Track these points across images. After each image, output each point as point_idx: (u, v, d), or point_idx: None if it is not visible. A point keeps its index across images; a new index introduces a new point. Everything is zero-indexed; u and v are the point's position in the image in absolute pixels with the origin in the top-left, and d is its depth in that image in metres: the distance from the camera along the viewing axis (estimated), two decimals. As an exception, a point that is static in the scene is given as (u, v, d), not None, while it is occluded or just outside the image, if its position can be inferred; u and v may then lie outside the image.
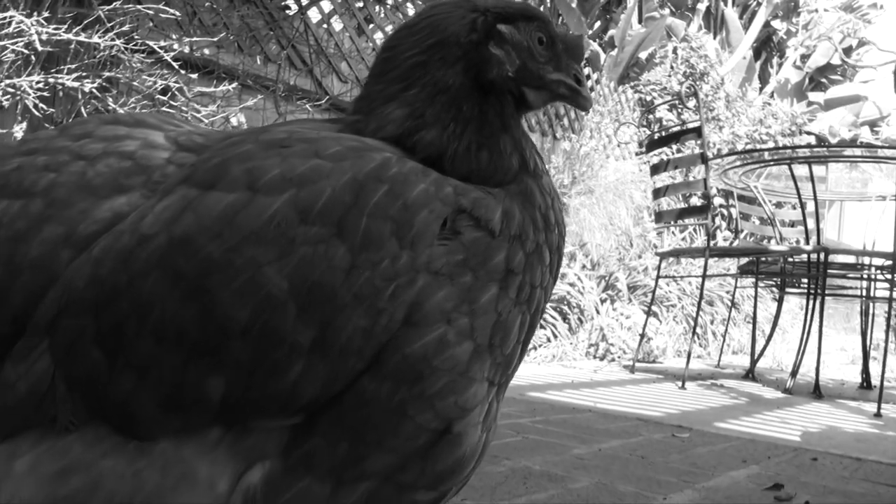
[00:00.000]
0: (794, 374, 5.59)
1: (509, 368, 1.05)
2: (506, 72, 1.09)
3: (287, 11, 6.68)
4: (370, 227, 0.88)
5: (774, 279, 6.40)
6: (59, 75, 3.54)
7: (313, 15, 7.10)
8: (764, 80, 16.96)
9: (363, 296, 0.87)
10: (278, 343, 0.85)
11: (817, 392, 5.32)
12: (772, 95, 15.17)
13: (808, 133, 13.11)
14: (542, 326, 9.21)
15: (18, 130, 3.60)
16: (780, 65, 17.87)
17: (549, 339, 8.74)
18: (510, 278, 0.99)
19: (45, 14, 3.52)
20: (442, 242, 0.93)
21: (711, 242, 5.79)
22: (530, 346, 6.44)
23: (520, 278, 1.00)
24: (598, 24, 14.39)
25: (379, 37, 7.71)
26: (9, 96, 3.41)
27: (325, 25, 7.30)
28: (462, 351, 0.93)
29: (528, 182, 1.06)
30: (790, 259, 5.81)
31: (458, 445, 0.96)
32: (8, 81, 3.28)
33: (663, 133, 8.31)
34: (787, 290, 6.40)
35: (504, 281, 0.98)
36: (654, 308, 7.84)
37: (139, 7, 4.16)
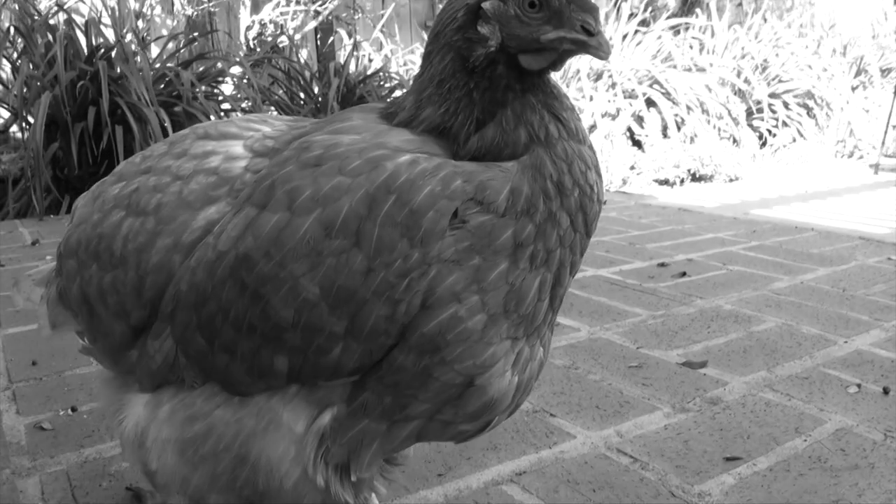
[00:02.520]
0: None
1: (535, 321, 1.20)
2: (489, 48, 1.14)
3: None
4: (381, 234, 1.06)
5: None
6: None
7: None
8: None
9: (381, 291, 1.07)
10: (318, 332, 1.10)
11: None
12: None
13: None
14: (786, 125, 8.63)
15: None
16: None
17: (793, 140, 8.23)
18: (520, 251, 1.12)
19: None
20: (451, 233, 1.08)
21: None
22: (774, 145, 6.31)
23: (531, 248, 1.13)
24: None
25: None
26: None
27: None
28: (475, 323, 1.11)
29: (538, 153, 1.15)
30: None
31: (484, 393, 1.17)
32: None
33: None
34: None
35: (514, 255, 1.12)
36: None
37: None
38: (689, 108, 8.25)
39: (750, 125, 8.85)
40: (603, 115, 8.20)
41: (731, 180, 7.61)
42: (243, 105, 7.64)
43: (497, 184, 1.11)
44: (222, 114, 6.80)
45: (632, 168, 7.69)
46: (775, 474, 1.92)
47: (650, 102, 8.30)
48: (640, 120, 8.22)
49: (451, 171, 1.10)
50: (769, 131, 8.96)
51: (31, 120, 5.92)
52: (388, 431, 1.19)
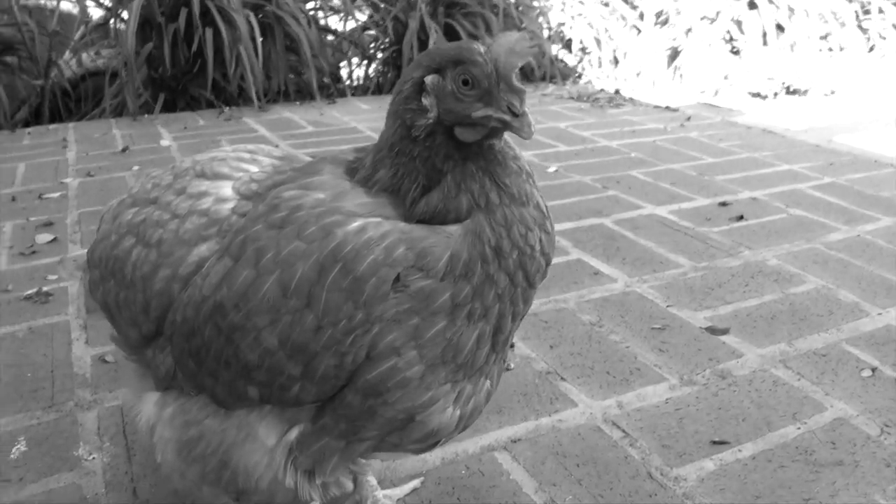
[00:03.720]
0: None
1: (476, 366, 1.35)
2: (428, 119, 1.26)
3: None
4: (329, 298, 1.22)
5: None
6: None
7: None
8: None
9: (329, 345, 1.24)
10: (279, 373, 1.28)
11: None
12: None
13: None
14: None
15: None
16: None
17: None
18: (457, 310, 1.26)
19: None
20: (394, 296, 1.22)
21: None
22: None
23: (469, 307, 1.26)
24: None
25: None
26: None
27: None
28: (413, 373, 1.27)
29: (479, 219, 1.26)
30: None
31: (425, 426, 1.34)
32: None
33: None
34: None
35: (452, 314, 1.25)
36: None
37: None
38: (791, 9, 7.80)
39: (859, 26, 8.31)
40: (701, 19, 7.87)
41: (828, 94, 7.27)
42: (332, 2, 7.71)
43: (438, 250, 1.23)
44: (310, 19, 6.86)
45: (725, 78, 7.43)
46: (756, 464, 2.03)
47: (752, 4, 7.88)
48: (738, 24, 7.84)
49: (395, 238, 1.23)
50: (880, 35, 8.39)
51: (125, 17, 6.17)
52: (346, 447, 1.38)
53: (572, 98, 7.14)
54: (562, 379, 2.44)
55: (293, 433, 1.37)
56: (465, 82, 1.23)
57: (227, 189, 1.42)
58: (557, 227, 3.70)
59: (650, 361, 2.54)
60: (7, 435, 2.15)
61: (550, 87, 7.66)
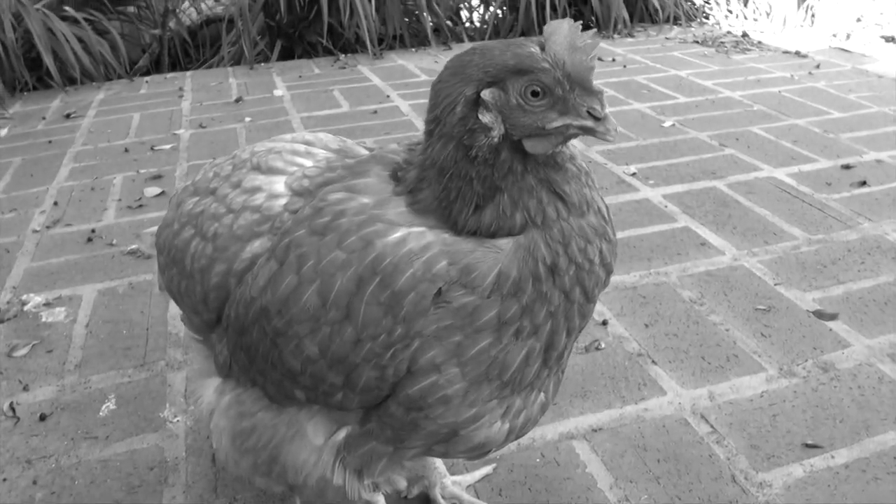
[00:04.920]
0: None
1: (525, 383, 1.27)
2: (492, 138, 1.14)
3: None
4: (367, 311, 1.16)
5: None
6: None
7: None
8: None
9: (369, 358, 1.19)
10: (322, 381, 1.25)
11: None
12: None
13: None
14: None
15: None
16: None
17: None
18: (504, 328, 1.18)
19: None
20: (434, 311, 1.16)
21: None
22: None
23: (516, 325, 1.18)
24: None
25: None
26: None
27: None
28: (455, 390, 1.21)
29: (533, 235, 1.16)
30: None
31: (471, 441, 1.28)
32: None
33: None
34: None
35: (497, 332, 1.18)
36: None
37: None
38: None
39: None
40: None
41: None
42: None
43: (484, 267, 1.15)
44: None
45: (858, 20, 6.84)
46: (849, 473, 1.88)
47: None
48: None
49: (437, 251, 1.16)
50: None
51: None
52: (393, 453, 1.34)
53: (697, 42, 6.75)
54: (653, 362, 2.33)
55: (341, 434, 1.35)
56: (535, 93, 1.13)
57: (279, 185, 1.39)
58: (667, 189, 3.53)
59: (749, 348, 2.39)
60: (98, 392, 2.25)
61: (674, 30, 7.27)
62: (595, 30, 1.14)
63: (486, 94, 1.14)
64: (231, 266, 1.38)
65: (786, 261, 2.91)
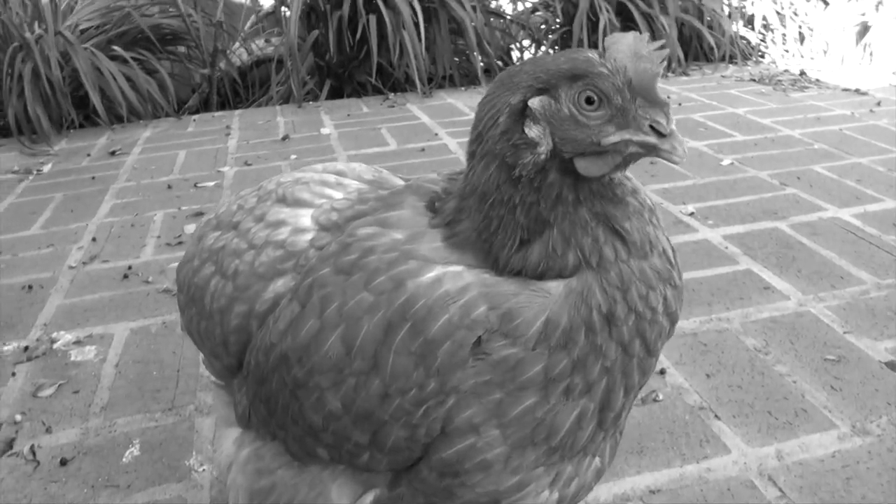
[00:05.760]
0: None
1: (576, 447, 1.11)
2: (539, 155, 1.00)
3: None
4: (396, 362, 1.02)
5: None
6: None
7: None
8: None
9: (398, 416, 1.05)
10: (346, 439, 1.11)
11: None
12: None
13: None
14: None
15: None
16: None
17: None
18: (552, 385, 1.02)
19: None
20: (472, 364, 1.01)
21: None
22: None
23: (567, 382, 1.03)
24: None
25: None
26: None
27: None
28: (495, 455, 1.05)
29: (587, 279, 1.01)
30: None
31: None
32: None
33: None
34: None
35: (544, 390, 1.02)
36: None
37: None
38: None
39: None
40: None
41: None
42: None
43: (529, 313, 1.00)
44: (476, 2, 6.66)
45: (918, 57, 6.58)
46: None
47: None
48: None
49: (476, 294, 1.01)
50: None
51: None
52: None
53: (753, 80, 6.56)
54: (716, 417, 2.14)
55: (368, 498, 1.21)
56: (590, 100, 0.98)
57: (306, 218, 1.26)
58: (727, 230, 3.36)
59: (819, 402, 2.18)
60: (123, 436, 2.14)
61: (730, 69, 7.09)
62: (663, 41, 0.99)
63: (534, 102, 1.00)
64: (252, 307, 1.26)
65: (855, 307, 2.69)
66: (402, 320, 1.02)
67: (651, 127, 0.97)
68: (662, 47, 0.98)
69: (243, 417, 1.32)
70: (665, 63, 0.99)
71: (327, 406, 1.10)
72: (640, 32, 0.98)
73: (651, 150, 0.98)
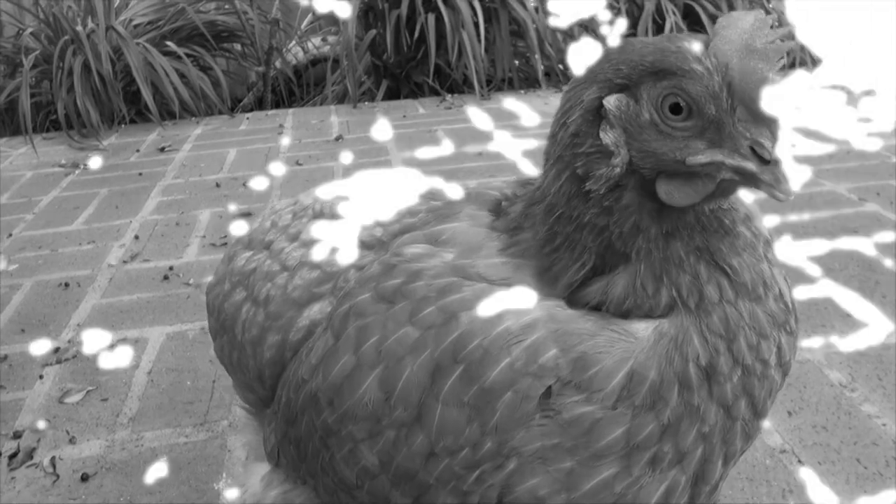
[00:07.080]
0: None
1: None
2: (613, 168, 0.80)
3: None
4: (445, 414, 0.84)
5: None
6: None
7: None
8: None
9: (445, 480, 0.86)
10: (385, 500, 0.92)
11: None
12: None
13: None
14: None
15: None
16: None
17: None
18: (635, 454, 0.83)
19: None
20: (540, 421, 0.82)
21: None
22: None
23: (653, 450, 0.83)
24: None
25: None
26: None
27: None
28: None
29: (683, 323, 0.81)
30: None
31: None
32: None
33: None
34: None
35: (627, 458, 0.83)
36: None
37: None
38: None
39: None
40: None
41: None
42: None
43: (609, 362, 0.81)
44: (538, 3, 6.47)
45: None
46: None
47: None
48: None
49: (544, 333, 0.82)
50: None
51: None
52: None
53: (823, 87, 6.22)
54: (800, 462, 1.92)
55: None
56: (676, 108, 0.78)
57: (345, 235, 1.10)
58: (805, 247, 3.11)
59: (914, 451, 1.94)
60: (149, 452, 2.00)
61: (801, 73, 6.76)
62: (788, 28, 0.78)
63: (609, 101, 0.80)
64: (286, 336, 1.10)
65: (950, 341, 2.43)
66: (454, 362, 0.84)
67: (751, 149, 0.76)
68: (785, 38, 0.77)
69: (272, 454, 1.16)
70: (783, 61, 0.78)
71: (362, 461, 0.92)
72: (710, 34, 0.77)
73: (748, 180, 0.77)
